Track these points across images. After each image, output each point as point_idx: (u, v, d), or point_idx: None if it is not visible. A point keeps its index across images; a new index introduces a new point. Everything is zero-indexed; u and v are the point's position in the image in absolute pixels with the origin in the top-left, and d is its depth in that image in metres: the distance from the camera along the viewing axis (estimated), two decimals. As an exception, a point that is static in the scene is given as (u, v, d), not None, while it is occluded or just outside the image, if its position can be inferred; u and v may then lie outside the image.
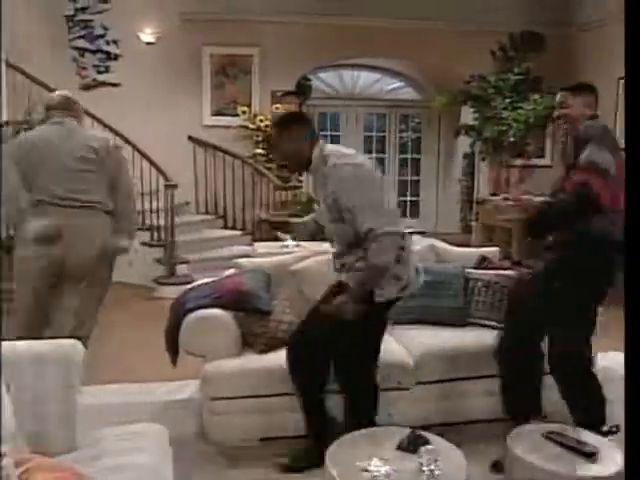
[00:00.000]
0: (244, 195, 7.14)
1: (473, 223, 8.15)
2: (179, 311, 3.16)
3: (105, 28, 7.39)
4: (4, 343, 2.20)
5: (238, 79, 7.56)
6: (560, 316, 2.72)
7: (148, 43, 7.40)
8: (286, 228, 4.10)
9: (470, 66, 7.58)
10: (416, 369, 3.06)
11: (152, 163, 6.19)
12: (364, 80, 9.52)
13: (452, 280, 3.51)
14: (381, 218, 2.49)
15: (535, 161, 7.49)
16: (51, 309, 3.43)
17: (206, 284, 3.40)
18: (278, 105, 7.22)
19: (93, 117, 6.08)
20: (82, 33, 7.42)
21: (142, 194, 6.05)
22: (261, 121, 7.14)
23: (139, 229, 5.59)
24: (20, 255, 3.35)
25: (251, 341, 3.12)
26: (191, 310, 3.10)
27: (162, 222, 6.16)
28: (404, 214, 10.02)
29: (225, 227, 7.28)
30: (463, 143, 9.11)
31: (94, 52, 7.47)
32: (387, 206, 2.59)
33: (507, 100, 7.16)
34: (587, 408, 2.74)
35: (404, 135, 10.01)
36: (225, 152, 7.17)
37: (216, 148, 7.23)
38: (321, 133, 9.58)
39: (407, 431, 2.22)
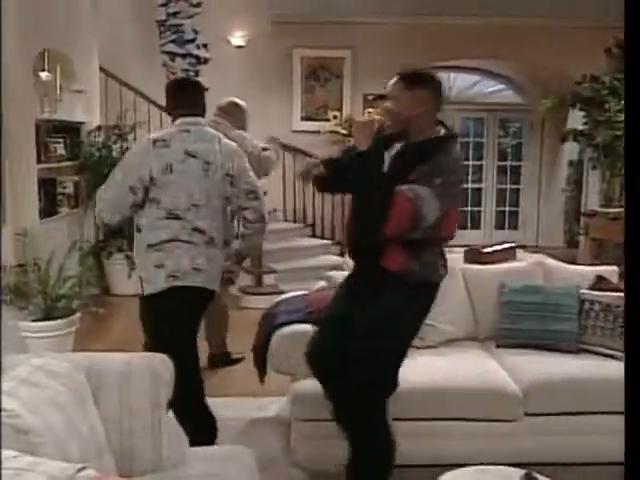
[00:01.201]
0: (333, 203, 7.09)
1: (581, 237, 7.75)
2: (269, 325, 3.13)
3: (195, 32, 7.57)
4: (94, 354, 2.22)
5: (329, 83, 7.57)
6: None
7: (238, 47, 7.53)
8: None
9: (580, 66, 7.23)
10: (524, 399, 2.88)
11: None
12: (461, 82, 9.29)
13: (565, 301, 3.29)
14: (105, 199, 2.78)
15: (654, 169, 7.03)
16: None
17: (297, 297, 3.35)
18: (370, 109, 7.14)
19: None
20: (173, 37, 7.63)
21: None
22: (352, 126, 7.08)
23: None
24: None
25: (343, 360, 3.03)
26: (282, 325, 3.06)
27: (249, 230, 6.21)
28: (502, 225, 9.70)
29: (313, 236, 7.25)
30: (569, 150, 8.71)
31: (184, 56, 7.66)
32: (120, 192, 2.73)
33: (623, 102, 6.76)
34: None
35: (503, 141, 9.69)
36: (315, 159, 7.14)
37: (306, 154, 7.21)
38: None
39: (520, 472, 2.06)
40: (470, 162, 9.56)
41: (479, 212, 9.69)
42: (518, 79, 9.10)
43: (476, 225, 9.71)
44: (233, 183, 2.83)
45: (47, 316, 4.09)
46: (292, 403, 2.87)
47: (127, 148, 6.32)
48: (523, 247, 9.19)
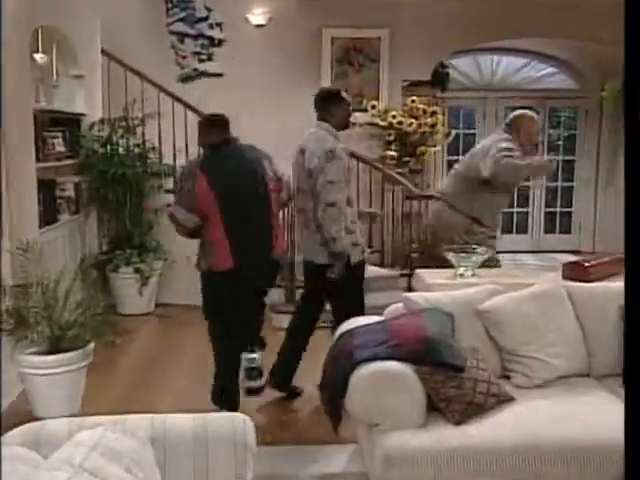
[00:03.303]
0: (371, 205, 6.71)
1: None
2: (344, 364, 2.74)
3: (208, 9, 7.22)
4: (155, 417, 1.84)
5: (364, 67, 7.21)
6: None
7: (257, 26, 7.18)
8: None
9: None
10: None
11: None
12: (506, 67, 8.92)
13: None
14: None
15: None
16: None
17: (373, 325, 2.96)
18: (414, 98, 6.81)
19: (196, 112, 5.87)
20: (182, 15, 7.28)
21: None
22: (394, 117, 6.71)
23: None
24: None
25: (441, 407, 2.65)
26: (362, 362, 2.67)
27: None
28: (552, 229, 9.33)
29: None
30: (632, 142, 8.34)
31: (195, 37, 7.31)
32: None
33: None
34: None
35: (553, 132, 9.34)
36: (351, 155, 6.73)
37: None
38: (454, 131, 9.00)
39: None
40: (516, 157, 9.18)
41: (526, 214, 9.32)
42: (575, 61, 8.72)
43: (522, 229, 9.35)
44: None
45: (54, 348, 3.70)
46: (384, 463, 2.47)
47: (135, 144, 5.97)
48: (577, 253, 8.84)
